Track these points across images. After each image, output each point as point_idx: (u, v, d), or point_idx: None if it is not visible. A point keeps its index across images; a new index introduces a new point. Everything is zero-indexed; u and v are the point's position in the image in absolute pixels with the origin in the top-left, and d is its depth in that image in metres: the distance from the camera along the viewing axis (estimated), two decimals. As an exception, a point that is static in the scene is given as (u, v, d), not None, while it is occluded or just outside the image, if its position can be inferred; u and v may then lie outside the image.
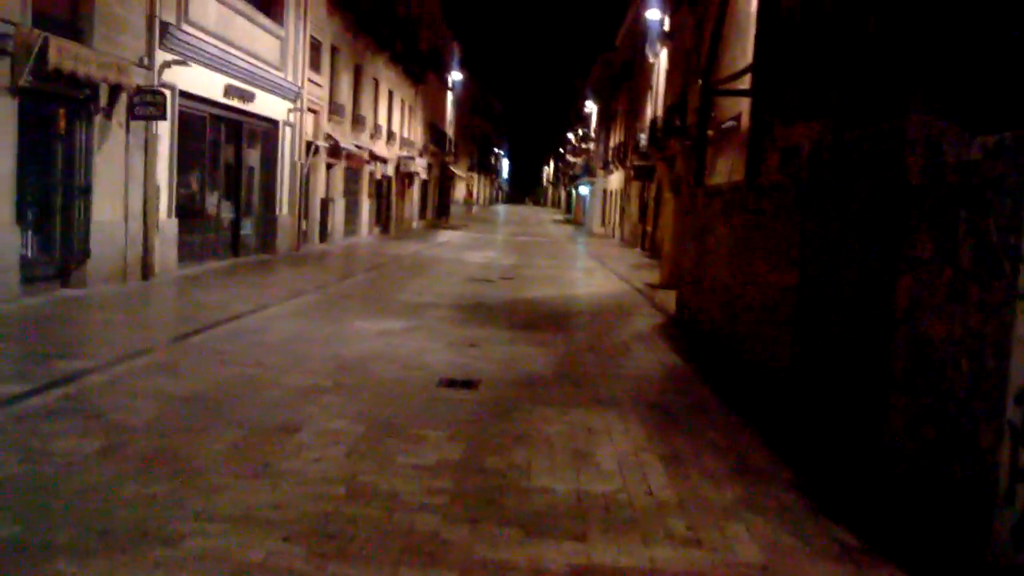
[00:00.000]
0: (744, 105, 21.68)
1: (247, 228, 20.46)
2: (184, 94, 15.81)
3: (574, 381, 8.65)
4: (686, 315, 13.39)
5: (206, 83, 16.77)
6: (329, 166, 26.91)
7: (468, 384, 8.21)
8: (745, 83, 20.94)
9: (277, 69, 20.83)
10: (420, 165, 43.78)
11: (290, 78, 21.72)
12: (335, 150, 26.54)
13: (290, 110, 21.85)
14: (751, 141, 19.60)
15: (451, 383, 8.22)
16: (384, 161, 35.45)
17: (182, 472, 5.24)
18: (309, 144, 23.66)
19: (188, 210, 16.93)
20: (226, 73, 17.55)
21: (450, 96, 59.10)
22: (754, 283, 9.36)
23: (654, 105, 38.12)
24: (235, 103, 18.30)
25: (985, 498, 4.60)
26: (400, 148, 39.26)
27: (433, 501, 4.97)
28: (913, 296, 5.72)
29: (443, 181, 56.36)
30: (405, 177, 40.49)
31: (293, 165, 22.38)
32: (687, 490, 5.44)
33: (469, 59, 68.48)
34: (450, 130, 59.56)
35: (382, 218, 35.98)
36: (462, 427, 6.61)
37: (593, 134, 70.58)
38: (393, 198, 38.21)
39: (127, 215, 13.87)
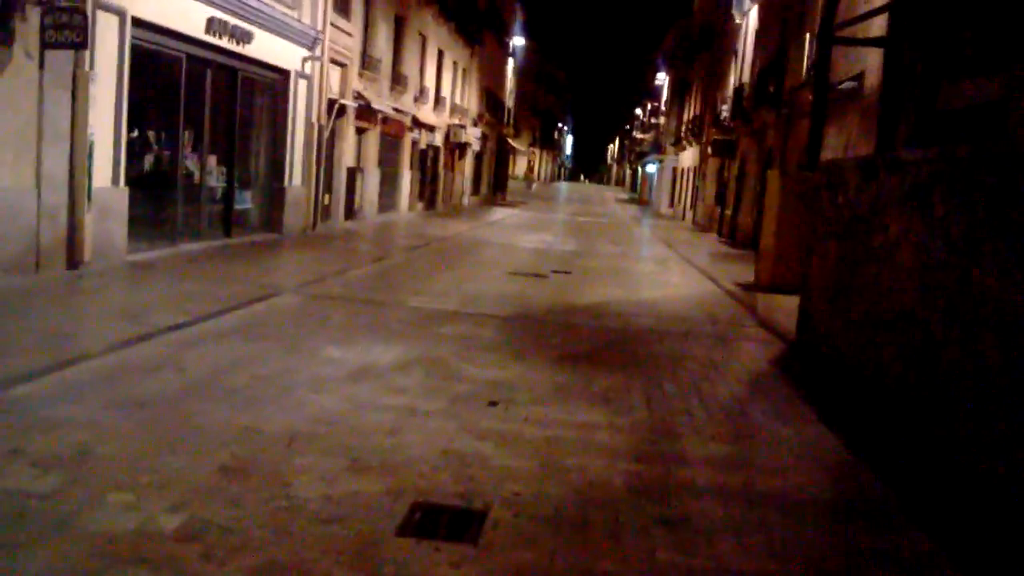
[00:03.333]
0: (871, 61, 17.16)
1: (245, 201, 16.71)
2: (141, 23, 11.98)
3: (670, 513, 4.55)
4: (819, 342, 9.14)
5: (178, 12, 12.94)
6: (360, 130, 23.03)
7: (463, 523, 4.17)
8: (874, 30, 16.50)
9: (288, 7, 16.93)
10: (474, 135, 39.75)
11: (306, 19, 17.82)
12: (367, 112, 22.64)
13: (306, 59, 17.96)
14: (885, 104, 15.23)
15: (429, 518, 4.18)
16: (431, 129, 31.51)
17: None
18: (332, 103, 19.79)
19: (152, 177, 13.19)
20: (208, 2, 13.70)
21: (510, 63, 54.84)
22: (1000, 324, 5.16)
23: (739, 72, 33.48)
24: (224, 43, 14.45)
25: None
26: (451, 115, 35.27)
27: None
28: None
29: (500, 154, 52.27)
30: (456, 148, 36.51)
31: (310, 126, 18.53)
32: None
33: (533, 27, 64.06)
34: (509, 100, 55.34)
35: (426, 193, 32.08)
36: None
37: (664, 108, 65.70)
38: (441, 171, 34.28)
39: (40, 181, 10.12)
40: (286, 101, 17.47)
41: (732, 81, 34.57)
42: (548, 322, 10.33)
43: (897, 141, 15.23)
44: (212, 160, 15.42)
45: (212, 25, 13.87)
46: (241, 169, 16.48)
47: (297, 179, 18.14)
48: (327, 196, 20.83)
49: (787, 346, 9.95)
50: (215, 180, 15.52)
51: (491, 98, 45.55)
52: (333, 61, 19.99)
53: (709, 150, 37.34)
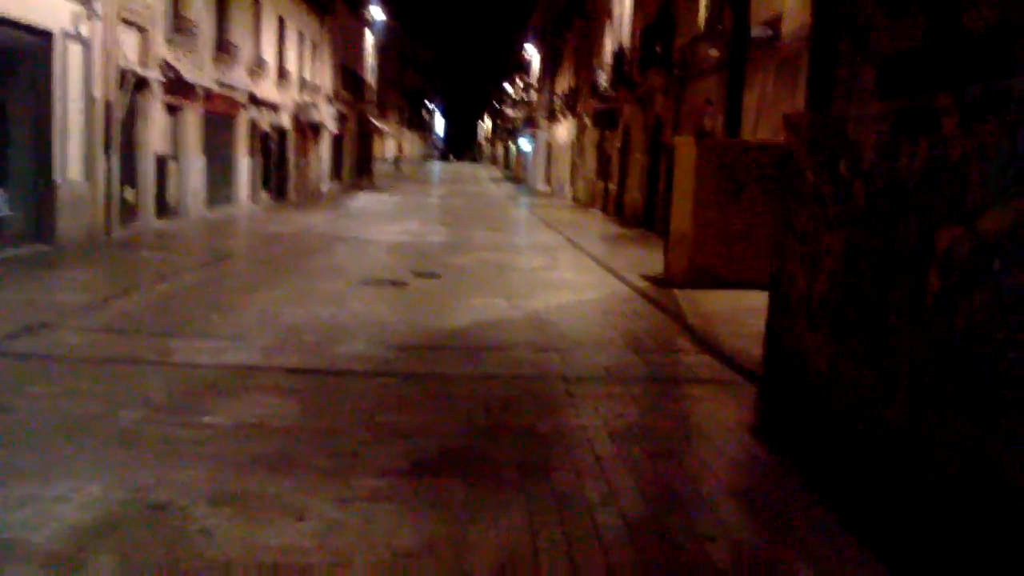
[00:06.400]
0: (789, 1, 14.23)
1: (-5, 205, 12.40)
2: None
3: None
4: (819, 393, 5.82)
5: None
6: (172, 109, 18.68)
7: None
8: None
9: (41, -58, 12.63)
10: (328, 115, 35.49)
11: (73, -38, 13.51)
12: (181, 86, 18.33)
13: (78, 15, 13.67)
14: (817, 48, 12.21)
15: None
16: (274, 108, 27.22)
17: None
18: (126, 73, 15.50)
19: None
20: None
21: (370, 37, 50.52)
22: None
23: (617, 36, 30.47)
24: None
25: None
26: (300, 93, 30.99)
27: None
28: None
29: (363, 136, 47.99)
30: (308, 129, 32.19)
31: (91, 103, 14.24)
32: None
33: (397, 5, 59.61)
34: (371, 78, 51.05)
35: (273, 181, 27.78)
36: None
37: (536, 82, 62.60)
38: (291, 155, 29.98)
39: None
40: (50, 70, 13.13)
41: (609, 46, 31.57)
42: (397, 375, 6.72)
43: (834, 94, 12.30)
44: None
45: None
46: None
47: (75, 171, 13.84)
48: (131, 192, 16.56)
49: (755, 387, 6.68)
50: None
51: (349, 75, 41.27)
52: (125, 21, 15.64)
53: (587, 121, 34.40)
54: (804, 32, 13.05)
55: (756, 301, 10.35)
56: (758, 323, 8.64)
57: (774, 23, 14.61)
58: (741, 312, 9.61)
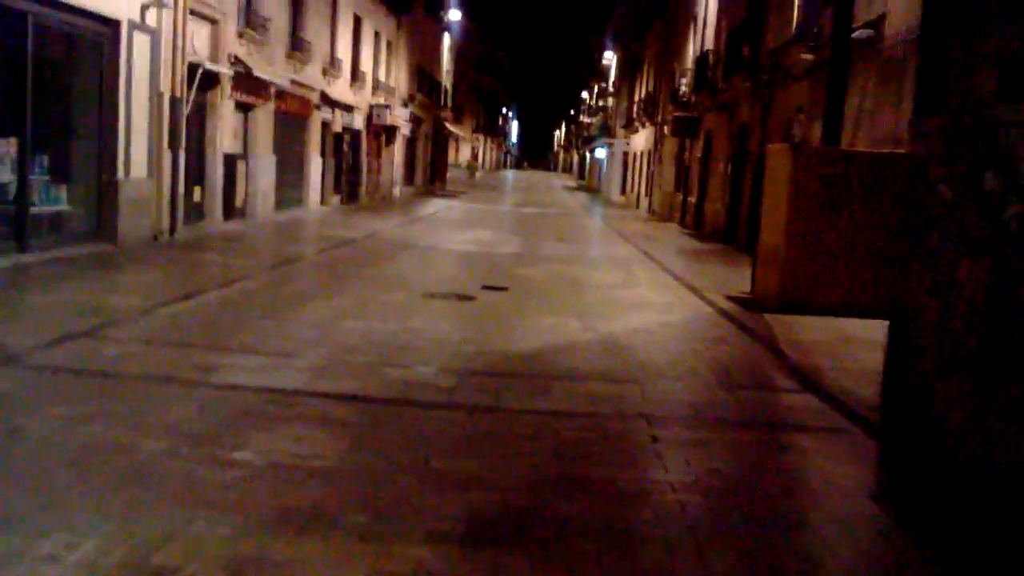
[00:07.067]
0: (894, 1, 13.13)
1: (56, 199, 12.06)
2: None
3: None
4: (956, 454, 4.87)
5: None
6: (244, 106, 18.37)
7: None
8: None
9: (112, -68, 12.30)
10: (402, 118, 35.13)
11: (144, -47, 13.17)
12: (252, 83, 17.98)
13: (147, 6, 13.33)
14: (927, 50, 11.11)
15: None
16: (348, 109, 26.89)
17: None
18: (195, 68, 15.16)
19: None
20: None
21: (447, 39, 50.21)
22: None
23: (700, 40, 29.38)
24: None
25: None
26: (374, 94, 30.66)
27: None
28: None
29: (437, 140, 47.67)
30: (381, 132, 31.87)
31: (156, 97, 13.90)
32: None
33: (472, 5, 59.37)
34: (447, 81, 50.70)
35: (344, 184, 27.44)
36: None
37: (613, 88, 61.57)
38: (363, 158, 29.66)
39: None
40: (116, 62, 12.79)
41: (692, 51, 30.51)
42: (456, 408, 5.95)
43: (947, 100, 11.18)
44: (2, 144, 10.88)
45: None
46: (48, 155, 11.84)
47: (139, 168, 13.48)
48: (198, 191, 16.23)
49: (872, 438, 5.73)
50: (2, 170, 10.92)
51: (424, 78, 40.94)
52: (195, 14, 15.31)
53: (667, 130, 33.31)
54: (911, 34, 12.00)
55: (860, 330, 9.38)
56: (867, 356, 7.69)
57: (876, 24, 13.53)
58: (844, 343, 8.64)
